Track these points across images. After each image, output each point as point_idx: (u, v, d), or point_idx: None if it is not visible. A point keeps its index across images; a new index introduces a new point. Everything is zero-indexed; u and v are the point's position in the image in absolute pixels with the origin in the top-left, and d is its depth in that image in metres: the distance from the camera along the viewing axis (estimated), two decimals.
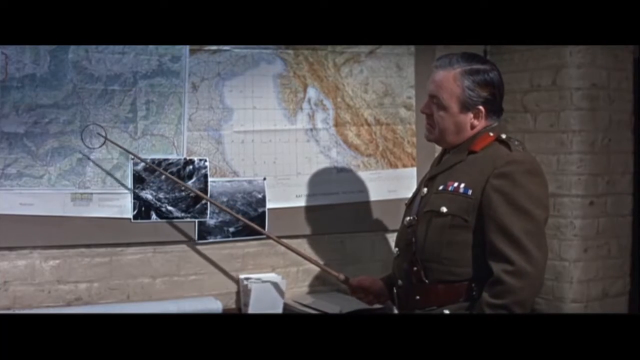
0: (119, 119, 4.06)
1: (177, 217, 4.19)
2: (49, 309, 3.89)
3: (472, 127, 3.40)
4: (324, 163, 4.59)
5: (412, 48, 4.75)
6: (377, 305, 3.84)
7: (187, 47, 4.18)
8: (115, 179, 4.05)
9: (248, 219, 4.26)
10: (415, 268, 3.36)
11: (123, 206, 4.08)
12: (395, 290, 3.54)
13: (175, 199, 4.17)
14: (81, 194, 3.99)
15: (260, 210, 4.39)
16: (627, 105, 4.83)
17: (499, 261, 3.16)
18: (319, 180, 4.57)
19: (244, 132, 4.35)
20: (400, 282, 3.48)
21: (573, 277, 4.66)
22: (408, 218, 3.50)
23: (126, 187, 4.08)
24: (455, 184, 3.32)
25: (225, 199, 4.30)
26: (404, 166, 4.75)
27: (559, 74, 4.69)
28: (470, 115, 3.37)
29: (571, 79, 4.65)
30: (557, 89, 4.71)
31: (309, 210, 4.56)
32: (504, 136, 3.39)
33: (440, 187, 3.39)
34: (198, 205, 4.22)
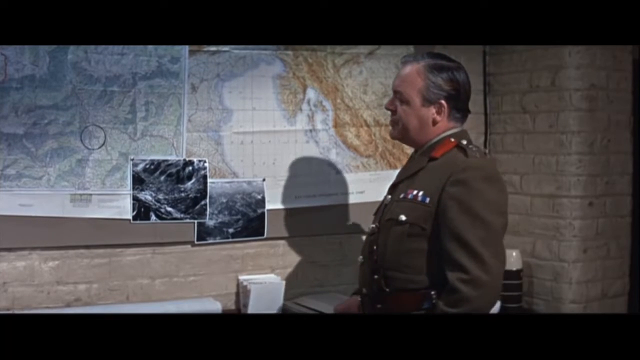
0: (119, 120, 4.06)
1: (176, 218, 4.18)
2: (48, 310, 3.89)
3: (435, 122, 3.36)
4: (323, 164, 4.59)
5: (412, 49, 4.75)
6: None
7: (187, 48, 4.18)
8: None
9: (247, 220, 4.27)
10: (376, 276, 3.32)
11: (122, 207, 4.08)
12: (360, 298, 3.50)
13: (175, 200, 4.17)
14: (80, 194, 3.99)
15: (259, 211, 4.39)
16: (626, 106, 4.83)
17: (454, 270, 3.10)
18: (318, 181, 4.57)
19: (244, 133, 4.35)
20: (364, 290, 3.43)
21: (572, 277, 4.66)
22: (372, 226, 3.50)
23: (125, 188, 4.08)
24: (415, 192, 3.28)
25: (224, 200, 4.30)
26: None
27: (558, 75, 4.69)
28: (433, 110, 3.34)
29: (570, 79, 4.65)
30: (556, 89, 4.71)
31: (308, 211, 4.56)
32: (464, 142, 3.35)
33: (401, 195, 3.35)
34: (197, 207, 4.22)
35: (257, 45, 4.35)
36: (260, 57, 4.37)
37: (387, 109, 3.48)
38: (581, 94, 4.64)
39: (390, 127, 3.53)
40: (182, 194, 4.19)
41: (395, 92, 3.41)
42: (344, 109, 4.61)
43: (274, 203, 4.44)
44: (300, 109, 4.51)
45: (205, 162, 4.25)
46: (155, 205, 4.13)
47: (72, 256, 4.02)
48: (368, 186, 4.57)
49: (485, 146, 5.12)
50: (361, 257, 3.48)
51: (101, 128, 4.02)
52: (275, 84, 4.44)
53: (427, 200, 3.23)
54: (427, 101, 3.34)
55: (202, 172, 4.24)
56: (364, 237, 4.65)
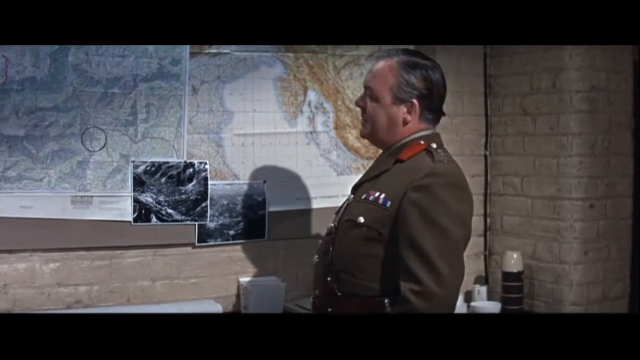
0: (120, 122, 4.06)
1: (177, 220, 4.18)
2: (49, 312, 3.89)
3: (405, 122, 3.21)
4: (324, 166, 4.59)
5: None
6: None
7: (188, 51, 4.18)
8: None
9: (248, 222, 4.28)
10: (329, 278, 3.19)
11: (123, 209, 4.08)
12: (312, 300, 3.39)
13: (176, 202, 4.17)
14: (81, 197, 3.99)
15: (260, 213, 4.39)
16: (627, 107, 4.82)
17: (408, 280, 2.95)
18: (319, 184, 4.56)
19: (245, 135, 4.35)
20: (317, 292, 3.31)
21: (573, 280, 4.66)
22: (331, 225, 3.35)
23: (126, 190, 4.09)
24: (377, 194, 3.14)
25: (225, 202, 4.29)
26: None
27: (559, 77, 4.69)
28: (404, 109, 3.19)
29: (571, 81, 4.65)
30: (557, 91, 4.71)
31: (309, 213, 4.56)
32: (434, 146, 3.22)
33: (363, 197, 3.21)
34: (198, 209, 4.22)
35: (258, 48, 4.35)
36: (261, 60, 4.37)
37: (357, 105, 3.35)
38: (582, 96, 4.64)
39: (361, 126, 3.36)
40: (183, 196, 4.19)
41: (366, 88, 3.28)
42: (345, 111, 4.61)
43: (275, 205, 4.44)
44: (301, 111, 4.51)
45: (206, 164, 4.25)
46: (156, 207, 4.12)
47: (73, 258, 4.02)
48: None
49: (486, 148, 5.12)
50: (317, 257, 3.36)
51: (102, 130, 4.02)
52: (276, 86, 4.44)
53: (389, 204, 3.09)
54: (399, 100, 3.19)
55: (203, 174, 4.24)
56: None
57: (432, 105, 3.24)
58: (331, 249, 3.23)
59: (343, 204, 3.40)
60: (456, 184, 3.12)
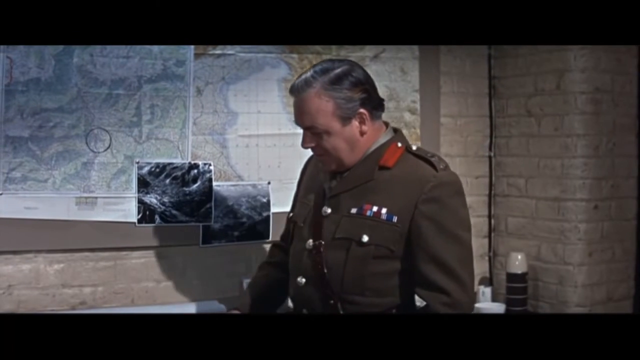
0: (124, 123, 4.06)
1: (181, 221, 4.18)
2: (53, 313, 3.89)
3: (362, 134, 3.07)
4: None
5: (417, 52, 4.75)
6: None
7: (192, 52, 4.18)
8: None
9: (252, 223, 4.28)
10: (331, 301, 3.06)
11: (127, 210, 4.08)
12: None
13: (180, 203, 4.17)
14: (86, 197, 3.99)
15: (264, 214, 4.39)
16: (631, 109, 4.82)
17: (435, 292, 2.95)
18: None
19: (249, 136, 4.35)
20: (305, 312, 3.17)
21: (577, 281, 4.66)
22: (310, 241, 3.13)
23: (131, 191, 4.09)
24: (375, 209, 3.02)
25: (229, 203, 4.29)
26: None
27: (563, 78, 4.69)
28: (356, 123, 3.04)
29: (575, 83, 4.65)
30: (561, 93, 4.70)
31: None
32: (414, 148, 3.16)
33: (353, 210, 3.06)
34: (202, 210, 4.22)
35: (262, 49, 4.35)
36: (265, 60, 4.37)
37: (307, 147, 3.13)
38: (586, 97, 4.64)
39: (323, 166, 3.18)
40: (187, 197, 4.19)
41: (307, 128, 3.07)
42: None
43: (279, 206, 4.42)
44: None
45: (210, 165, 4.25)
46: (161, 208, 4.13)
47: (77, 259, 4.03)
48: None
49: (490, 149, 5.12)
50: (302, 278, 3.15)
51: (106, 131, 4.02)
52: (281, 87, 4.43)
53: (395, 219, 3.00)
54: (347, 119, 3.02)
55: (208, 175, 4.24)
56: None
57: (374, 100, 3.11)
58: (325, 270, 3.07)
59: (315, 218, 3.19)
60: (459, 190, 3.09)
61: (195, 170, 4.21)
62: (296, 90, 3.05)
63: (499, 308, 4.71)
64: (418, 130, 4.77)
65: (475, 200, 5.09)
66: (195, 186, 4.20)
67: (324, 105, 2.99)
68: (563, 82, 4.69)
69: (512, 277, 4.80)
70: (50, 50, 3.91)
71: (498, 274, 5.10)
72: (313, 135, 3.06)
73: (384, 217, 3.01)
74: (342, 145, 3.05)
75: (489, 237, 5.17)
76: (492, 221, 5.16)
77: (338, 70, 3.03)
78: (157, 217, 4.13)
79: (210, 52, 4.24)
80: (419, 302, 3.14)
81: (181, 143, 4.19)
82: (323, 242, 3.10)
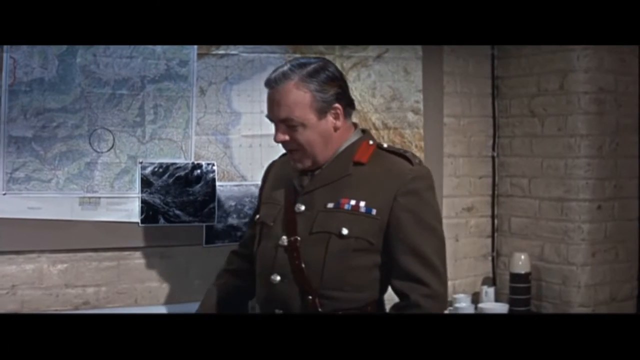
0: (127, 123, 4.06)
1: (184, 221, 4.18)
2: (56, 313, 3.89)
3: (336, 129, 3.11)
4: None
5: (420, 52, 4.75)
6: None
7: (195, 52, 4.19)
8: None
9: None
10: (309, 297, 3.05)
11: (131, 210, 4.08)
12: None
13: (183, 203, 4.17)
14: (89, 197, 4.00)
15: None
16: (635, 109, 4.82)
17: (414, 284, 3.00)
18: None
19: (252, 136, 4.35)
20: (280, 312, 3.13)
21: (580, 281, 4.66)
22: (284, 238, 3.13)
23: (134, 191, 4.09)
24: (353, 202, 3.05)
25: (233, 203, 4.29)
26: None
27: (566, 78, 4.69)
28: (330, 118, 3.09)
29: (578, 83, 4.65)
30: (564, 93, 4.70)
31: None
32: (385, 145, 3.23)
33: (330, 205, 3.08)
34: (206, 210, 4.22)
35: (265, 49, 4.35)
36: (268, 60, 4.37)
37: (280, 142, 3.15)
38: (589, 97, 4.64)
39: (293, 163, 3.18)
40: (191, 197, 4.19)
41: (283, 121, 3.08)
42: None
43: None
44: None
45: (213, 165, 4.25)
46: (164, 208, 4.13)
47: (80, 259, 4.03)
48: None
49: (493, 149, 5.12)
50: (276, 275, 3.12)
51: (110, 131, 4.03)
52: None
53: (374, 212, 3.04)
54: (323, 112, 3.07)
55: (211, 175, 4.24)
56: None
57: (347, 98, 3.17)
58: (302, 265, 3.07)
59: (287, 215, 3.18)
60: (433, 184, 3.15)
61: (199, 171, 4.21)
62: (274, 82, 3.08)
63: (502, 308, 4.71)
64: (421, 131, 4.77)
65: (478, 200, 5.10)
66: (198, 186, 4.20)
67: (301, 97, 3.03)
68: (566, 82, 4.69)
69: (515, 277, 4.80)
70: (53, 50, 3.91)
71: (501, 274, 5.10)
72: (288, 128, 3.08)
73: (362, 210, 3.04)
74: (317, 139, 3.09)
75: (492, 237, 5.17)
76: (496, 221, 5.16)
77: (314, 65, 3.09)
78: (160, 217, 4.13)
79: (214, 53, 4.24)
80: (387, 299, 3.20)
81: (184, 143, 4.19)
82: (299, 238, 3.10)
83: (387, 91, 4.69)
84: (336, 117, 3.10)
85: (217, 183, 4.26)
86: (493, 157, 5.15)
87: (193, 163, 4.19)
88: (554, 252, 4.77)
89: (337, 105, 3.09)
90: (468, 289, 5.00)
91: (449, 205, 4.96)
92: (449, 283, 4.74)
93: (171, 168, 4.15)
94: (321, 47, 4.49)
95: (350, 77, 4.57)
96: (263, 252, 3.23)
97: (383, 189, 3.05)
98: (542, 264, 4.84)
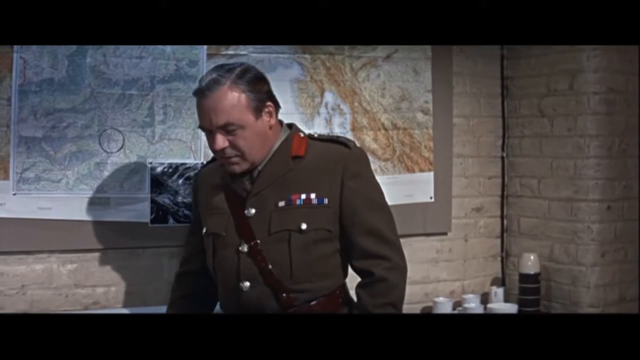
0: (137, 123, 4.07)
1: None
2: (66, 313, 3.90)
3: (271, 127, 3.21)
4: None
5: (429, 53, 4.74)
6: None
7: (204, 52, 4.19)
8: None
9: None
10: (284, 294, 3.15)
11: (140, 210, 4.09)
12: None
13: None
14: (99, 198, 4.00)
15: None
16: None
17: (376, 260, 3.15)
18: None
19: None
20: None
21: (590, 281, 4.65)
22: (244, 244, 3.18)
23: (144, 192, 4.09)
24: (303, 196, 3.16)
25: None
26: (421, 170, 4.74)
27: (576, 79, 4.68)
28: (265, 117, 3.18)
29: (588, 83, 4.64)
30: (574, 93, 4.70)
31: None
32: (315, 135, 3.36)
33: (281, 204, 3.17)
34: None
35: (275, 49, 4.35)
36: (278, 61, 4.37)
37: (219, 150, 3.14)
38: (599, 97, 4.63)
39: (230, 167, 3.20)
40: None
41: (221, 127, 3.10)
42: (361, 113, 4.60)
43: None
44: (318, 113, 4.50)
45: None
46: (174, 208, 4.13)
47: (90, 259, 4.03)
48: (385, 190, 4.57)
49: (502, 150, 5.12)
50: (244, 282, 3.17)
51: (119, 131, 4.03)
52: (293, 88, 4.43)
53: (325, 201, 3.17)
54: (258, 111, 3.15)
55: None
56: None
57: (274, 97, 3.27)
58: (269, 266, 3.15)
59: (239, 221, 3.23)
60: (369, 163, 3.36)
61: None
62: (206, 90, 3.10)
63: (511, 309, 4.71)
64: (431, 131, 4.77)
65: (487, 200, 5.09)
66: None
67: (237, 99, 3.10)
68: (576, 82, 4.68)
69: (524, 278, 4.80)
70: (63, 50, 3.92)
71: (511, 274, 5.09)
72: (227, 133, 3.12)
73: (314, 201, 3.17)
74: (256, 139, 3.16)
75: (502, 237, 5.16)
76: (505, 222, 5.16)
77: (240, 68, 3.17)
78: (170, 217, 4.13)
79: (223, 53, 4.24)
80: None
81: (194, 143, 4.19)
82: (259, 241, 3.18)
83: (396, 91, 4.69)
84: (270, 116, 3.21)
85: None
86: (502, 158, 5.14)
87: (202, 163, 4.19)
88: (563, 253, 4.77)
89: (269, 103, 3.20)
90: (477, 289, 4.99)
91: (458, 205, 4.96)
92: (458, 283, 4.84)
93: (181, 168, 4.15)
94: (331, 48, 4.49)
95: (360, 78, 4.58)
96: (222, 262, 3.28)
97: (328, 177, 3.18)
98: (551, 265, 4.83)
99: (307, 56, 4.45)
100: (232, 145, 3.13)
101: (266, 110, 3.19)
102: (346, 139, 3.33)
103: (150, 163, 4.10)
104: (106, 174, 4.02)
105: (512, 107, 5.11)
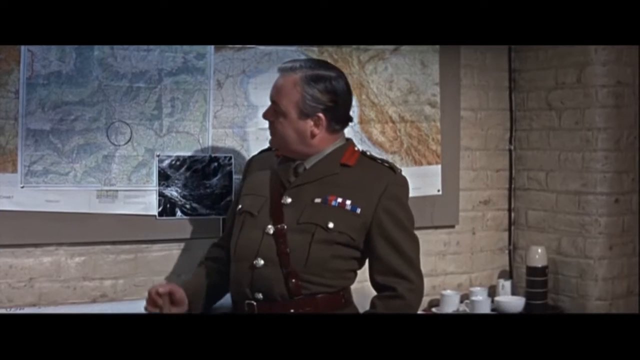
0: (145, 116, 4.07)
1: (201, 214, 4.19)
2: (74, 306, 3.90)
3: (313, 135, 3.35)
4: None
5: (437, 45, 4.74)
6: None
7: (212, 45, 4.19)
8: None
9: None
10: (293, 280, 3.25)
11: (148, 203, 4.09)
12: (248, 306, 3.33)
13: (200, 195, 4.17)
14: (107, 190, 4.00)
15: None
16: None
17: (398, 279, 3.28)
18: None
19: (269, 130, 4.34)
20: (259, 295, 3.29)
21: (598, 274, 4.65)
22: (270, 226, 3.34)
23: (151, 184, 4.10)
24: (339, 200, 3.31)
25: None
26: (429, 163, 4.74)
27: (584, 72, 4.68)
28: (310, 122, 3.33)
29: (596, 76, 4.64)
30: (582, 86, 4.69)
31: None
32: (369, 153, 3.52)
33: (317, 200, 3.33)
34: (223, 203, 4.22)
35: None
36: (285, 53, 4.36)
37: (265, 118, 3.47)
38: (607, 90, 4.63)
39: (274, 145, 3.54)
40: (208, 190, 4.19)
41: (272, 102, 3.40)
42: (369, 105, 4.60)
43: None
44: None
45: (230, 158, 4.25)
46: (181, 201, 4.13)
47: (98, 252, 4.04)
48: None
49: (510, 142, 5.12)
50: (260, 260, 3.30)
51: (127, 124, 4.03)
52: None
53: (358, 210, 3.30)
54: (304, 114, 3.32)
55: (228, 168, 4.24)
56: None
57: (338, 115, 3.38)
58: (287, 250, 3.28)
59: (273, 204, 3.41)
60: (409, 192, 3.47)
61: (216, 163, 4.21)
62: (282, 70, 3.40)
63: (518, 301, 4.71)
64: (438, 124, 4.77)
65: (495, 193, 5.10)
66: (215, 179, 4.21)
67: (292, 92, 3.31)
68: (584, 75, 4.68)
69: (532, 271, 4.80)
70: None
71: (518, 267, 5.09)
72: (273, 111, 3.39)
73: (348, 207, 3.31)
74: (291, 134, 3.36)
75: (509, 230, 5.17)
76: (513, 214, 5.16)
77: (322, 72, 3.35)
78: (177, 210, 4.13)
79: (231, 46, 4.24)
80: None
81: (202, 136, 4.19)
82: (286, 227, 3.32)
83: (404, 84, 4.69)
84: (316, 125, 3.34)
85: (234, 176, 4.25)
86: (510, 151, 5.14)
87: (210, 156, 4.20)
88: (571, 246, 4.77)
89: (320, 115, 3.32)
90: (485, 282, 5.00)
91: (466, 198, 4.97)
92: (466, 276, 4.86)
93: (188, 161, 4.16)
94: None
95: (367, 70, 4.57)
96: (246, 239, 3.42)
97: (368, 191, 3.32)
98: (559, 258, 4.84)
99: (315, 49, 4.45)
100: (272, 124, 3.42)
101: (314, 118, 3.32)
102: (394, 164, 3.48)
103: (158, 156, 4.10)
104: (114, 166, 4.02)
105: (520, 100, 5.11)
